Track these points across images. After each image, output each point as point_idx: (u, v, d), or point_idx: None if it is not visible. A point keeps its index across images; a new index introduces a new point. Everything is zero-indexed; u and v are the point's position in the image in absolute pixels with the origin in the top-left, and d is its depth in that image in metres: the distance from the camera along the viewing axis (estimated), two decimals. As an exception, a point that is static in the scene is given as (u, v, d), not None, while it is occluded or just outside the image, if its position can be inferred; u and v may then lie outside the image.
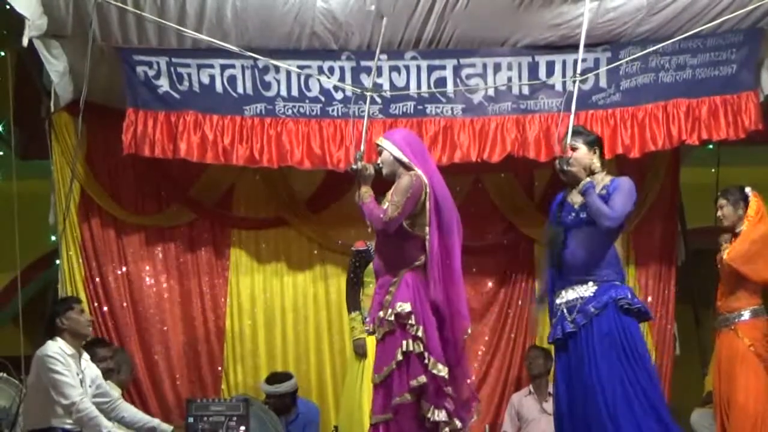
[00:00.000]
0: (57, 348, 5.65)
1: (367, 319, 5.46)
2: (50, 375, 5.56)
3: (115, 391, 6.11)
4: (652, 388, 5.13)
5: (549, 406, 7.29)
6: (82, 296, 7.08)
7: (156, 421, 5.99)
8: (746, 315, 6.01)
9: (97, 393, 5.82)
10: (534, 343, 7.61)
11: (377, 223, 5.08)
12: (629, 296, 5.19)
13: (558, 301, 5.31)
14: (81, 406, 5.54)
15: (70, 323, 5.76)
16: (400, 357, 4.98)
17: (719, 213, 6.20)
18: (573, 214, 5.29)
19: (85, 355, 5.88)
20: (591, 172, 5.30)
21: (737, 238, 6.07)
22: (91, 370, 5.85)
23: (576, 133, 5.40)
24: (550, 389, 7.32)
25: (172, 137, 6.70)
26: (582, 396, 5.14)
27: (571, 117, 5.51)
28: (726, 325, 6.05)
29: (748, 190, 6.16)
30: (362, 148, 5.41)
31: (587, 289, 5.20)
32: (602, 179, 5.30)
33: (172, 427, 5.97)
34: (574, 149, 5.33)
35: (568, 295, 5.25)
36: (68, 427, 5.62)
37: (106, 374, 6.44)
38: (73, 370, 5.64)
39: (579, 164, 5.26)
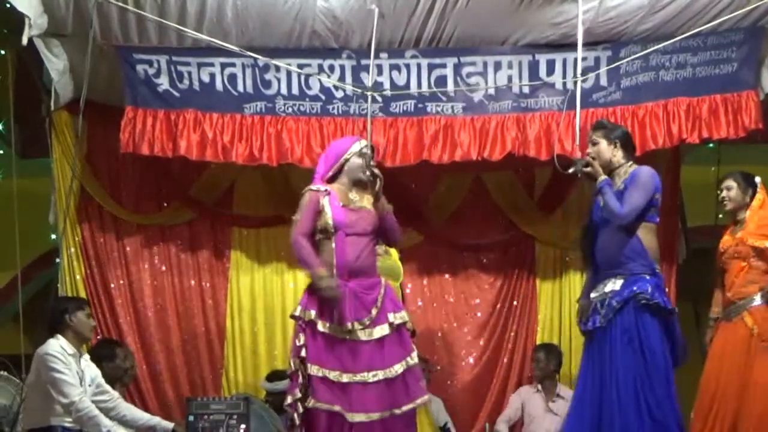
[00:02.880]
0: (58, 347, 5.65)
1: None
2: (50, 373, 5.56)
3: (115, 392, 6.10)
4: (662, 389, 5.18)
5: (555, 406, 7.31)
6: (82, 295, 7.10)
7: (156, 419, 6.00)
8: (758, 300, 5.96)
9: (97, 392, 5.82)
10: (534, 343, 7.63)
11: (400, 236, 5.61)
12: (649, 290, 5.24)
13: (593, 295, 5.44)
14: (80, 405, 5.54)
15: (77, 322, 5.77)
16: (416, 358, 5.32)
17: (725, 194, 6.12)
18: (599, 211, 5.41)
19: (86, 356, 5.88)
20: (613, 167, 5.32)
21: (748, 229, 6.01)
22: (91, 369, 5.86)
23: (598, 126, 5.44)
24: (559, 390, 7.34)
25: (172, 135, 6.70)
26: (599, 387, 5.25)
27: (577, 118, 5.54)
28: (737, 313, 5.99)
29: (758, 179, 6.12)
30: (369, 151, 5.47)
31: (615, 283, 5.31)
32: (624, 172, 5.33)
33: (172, 425, 5.98)
34: (594, 144, 5.35)
35: (601, 289, 5.38)
36: (68, 425, 5.62)
37: (125, 373, 6.46)
38: (73, 369, 5.64)
39: (600, 160, 5.30)
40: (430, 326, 7.76)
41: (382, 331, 5.25)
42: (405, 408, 5.23)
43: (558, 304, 7.73)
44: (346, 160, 5.44)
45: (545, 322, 7.72)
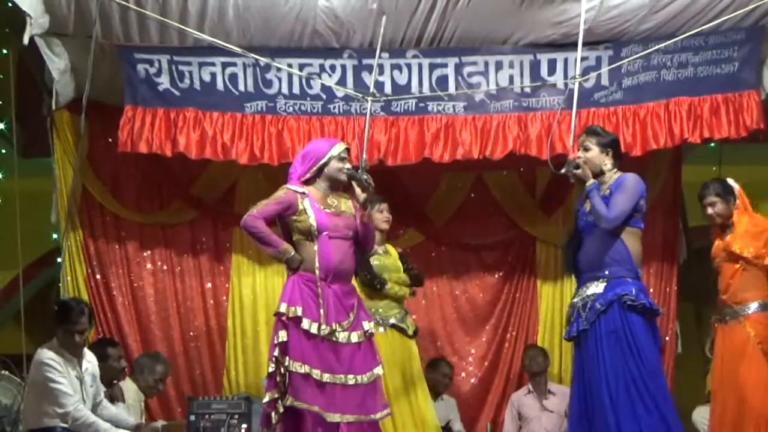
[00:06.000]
0: (53, 354, 5.59)
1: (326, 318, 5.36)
2: (46, 383, 5.52)
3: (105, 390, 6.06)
4: (656, 386, 5.19)
5: (549, 403, 7.34)
6: (84, 294, 7.10)
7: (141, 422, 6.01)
8: (754, 307, 5.95)
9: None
10: (534, 342, 7.64)
11: (373, 246, 5.72)
12: (634, 292, 5.23)
13: (575, 300, 5.42)
14: (77, 414, 5.50)
15: (62, 338, 5.68)
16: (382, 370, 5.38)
17: (711, 211, 6.04)
18: (584, 217, 5.41)
19: (87, 355, 5.82)
20: (601, 172, 5.34)
21: (737, 232, 6.00)
22: (93, 367, 5.82)
23: (591, 132, 5.44)
24: (550, 387, 7.36)
25: (170, 134, 6.68)
26: (589, 391, 5.25)
27: (573, 119, 5.54)
28: (733, 317, 5.99)
29: (731, 181, 6.11)
30: (365, 155, 5.45)
31: (598, 286, 5.29)
32: (610, 178, 5.35)
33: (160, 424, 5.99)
34: (586, 150, 5.36)
35: (583, 293, 5.37)
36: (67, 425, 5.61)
37: (120, 374, 6.44)
38: (70, 374, 5.59)
39: (590, 165, 5.31)
40: (431, 326, 7.76)
41: (358, 337, 5.25)
42: (376, 416, 5.25)
43: (559, 304, 7.72)
44: (326, 164, 5.35)
45: (546, 321, 7.73)
